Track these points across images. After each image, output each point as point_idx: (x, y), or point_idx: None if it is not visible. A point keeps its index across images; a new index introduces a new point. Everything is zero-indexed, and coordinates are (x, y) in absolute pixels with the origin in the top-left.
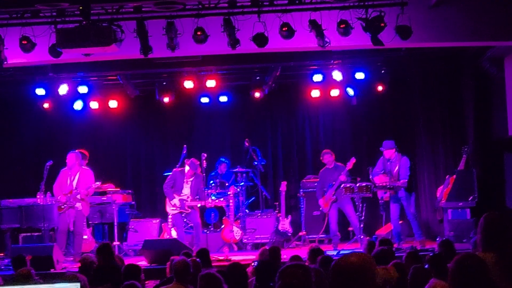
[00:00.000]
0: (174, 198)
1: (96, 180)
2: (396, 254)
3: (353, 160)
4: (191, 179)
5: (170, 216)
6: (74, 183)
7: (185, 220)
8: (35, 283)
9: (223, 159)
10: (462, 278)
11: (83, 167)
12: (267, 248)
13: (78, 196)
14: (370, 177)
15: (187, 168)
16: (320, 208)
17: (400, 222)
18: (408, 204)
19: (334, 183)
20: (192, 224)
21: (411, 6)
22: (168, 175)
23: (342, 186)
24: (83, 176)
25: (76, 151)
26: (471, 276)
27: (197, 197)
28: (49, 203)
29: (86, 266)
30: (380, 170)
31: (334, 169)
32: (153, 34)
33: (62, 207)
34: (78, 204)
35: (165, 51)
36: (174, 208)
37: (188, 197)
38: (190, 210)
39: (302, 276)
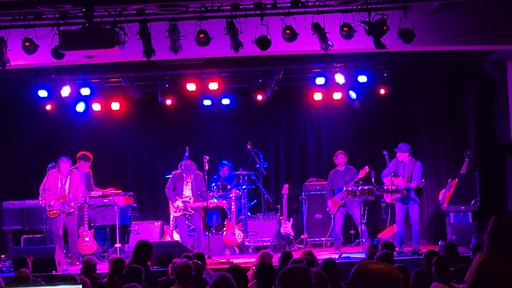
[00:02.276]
0: (177, 200)
1: (101, 183)
2: (398, 257)
3: (366, 170)
4: (190, 181)
5: (172, 218)
6: (66, 187)
7: (187, 222)
8: (35, 285)
9: (226, 162)
10: (485, 281)
11: (71, 169)
12: (268, 251)
13: (72, 204)
14: (385, 178)
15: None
16: (327, 209)
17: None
18: (415, 208)
19: (344, 187)
20: (194, 227)
21: (414, 10)
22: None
23: (344, 189)
24: (74, 180)
25: (77, 155)
26: (494, 279)
27: (199, 193)
28: (42, 205)
29: (88, 268)
30: (391, 172)
31: (344, 172)
32: (156, 37)
33: (54, 212)
34: (71, 209)
35: (167, 53)
36: (178, 211)
37: (190, 199)
38: (193, 211)
39: (301, 280)
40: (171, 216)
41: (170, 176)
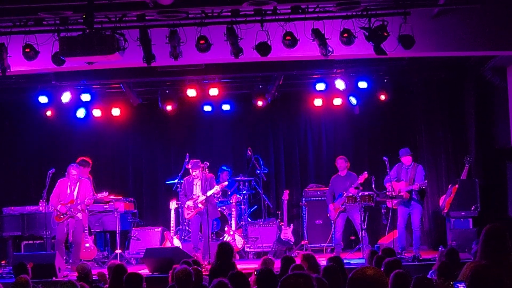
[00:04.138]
0: (187, 201)
1: (100, 189)
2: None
3: (365, 175)
4: (198, 182)
5: (173, 225)
6: (75, 193)
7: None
8: None
9: (225, 168)
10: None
11: (81, 177)
12: (270, 257)
13: (79, 207)
14: (387, 184)
15: (194, 173)
16: (328, 215)
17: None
18: (417, 212)
19: (344, 193)
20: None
21: (414, 16)
22: (170, 184)
23: (345, 195)
24: (83, 187)
25: (77, 161)
26: (489, 285)
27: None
28: (51, 211)
29: (83, 275)
30: (393, 177)
31: (346, 178)
32: (156, 43)
33: (61, 216)
34: (78, 214)
35: (168, 59)
36: (189, 211)
37: (198, 196)
38: (203, 207)
39: (303, 286)
40: (172, 222)
41: (171, 182)
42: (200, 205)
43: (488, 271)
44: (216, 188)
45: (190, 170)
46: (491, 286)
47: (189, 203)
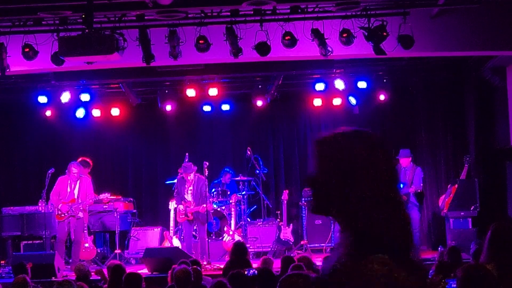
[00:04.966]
0: (180, 204)
1: (100, 189)
2: None
3: None
4: (191, 188)
5: (172, 224)
6: (76, 191)
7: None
8: None
9: (228, 169)
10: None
11: (82, 175)
12: (269, 256)
13: (81, 207)
14: None
15: (189, 177)
16: None
17: None
18: (415, 214)
19: None
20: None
21: (413, 16)
22: (170, 184)
23: None
24: (84, 185)
25: (77, 161)
26: (478, 286)
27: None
28: (50, 211)
29: (81, 276)
30: None
31: None
32: (155, 43)
33: (62, 215)
34: (80, 213)
35: (167, 59)
36: (180, 215)
37: (191, 204)
38: (192, 217)
39: (302, 286)
40: (171, 222)
41: (171, 181)
42: (189, 215)
43: (478, 270)
44: (204, 206)
45: (184, 178)
46: (481, 285)
47: (181, 207)
